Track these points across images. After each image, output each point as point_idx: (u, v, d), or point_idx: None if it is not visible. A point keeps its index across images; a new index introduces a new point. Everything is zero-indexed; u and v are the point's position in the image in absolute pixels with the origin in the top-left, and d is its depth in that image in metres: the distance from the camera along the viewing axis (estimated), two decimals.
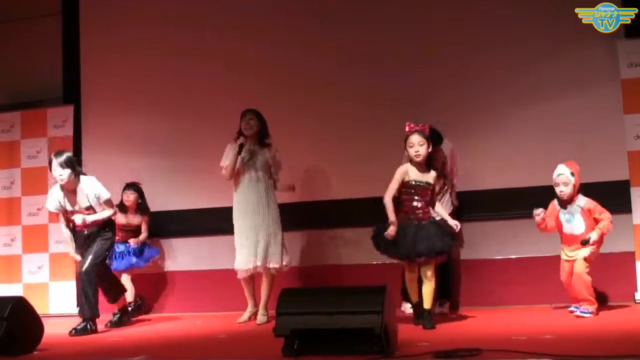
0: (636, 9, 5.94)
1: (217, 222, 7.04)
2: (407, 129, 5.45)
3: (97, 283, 6.09)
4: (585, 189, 5.64)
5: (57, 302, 7.63)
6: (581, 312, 5.42)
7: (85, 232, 6.14)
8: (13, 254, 7.87)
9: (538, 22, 6.75)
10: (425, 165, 5.47)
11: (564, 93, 6.63)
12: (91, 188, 6.08)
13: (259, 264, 6.18)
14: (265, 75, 7.34)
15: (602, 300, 5.78)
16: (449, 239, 5.40)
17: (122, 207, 7.17)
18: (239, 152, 6.21)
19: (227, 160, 6.28)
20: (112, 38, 7.98)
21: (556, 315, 5.80)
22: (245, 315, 6.36)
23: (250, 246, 6.19)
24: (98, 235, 6.12)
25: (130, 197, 7.26)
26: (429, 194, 5.48)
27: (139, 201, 7.29)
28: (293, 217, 6.78)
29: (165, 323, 6.71)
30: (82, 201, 6.08)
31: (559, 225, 5.63)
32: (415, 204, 5.41)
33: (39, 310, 5.24)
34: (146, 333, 6.11)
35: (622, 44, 6.44)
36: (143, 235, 7.29)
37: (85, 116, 7.97)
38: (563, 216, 5.60)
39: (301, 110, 7.22)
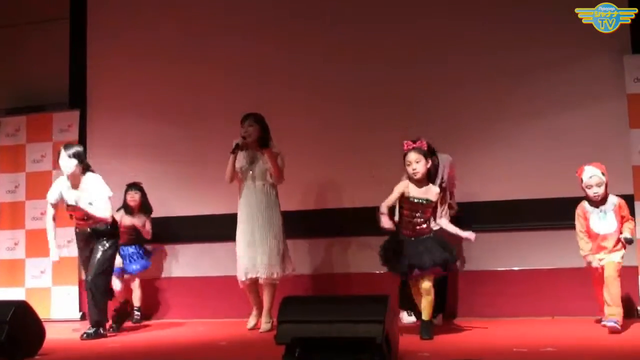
0: (636, 9, 5.95)
1: (221, 229, 7.02)
2: (404, 147, 5.40)
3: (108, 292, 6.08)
4: None
5: (60, 307, 7.63)
6: (611, 322, 5.26)
7: (88, 230, 6.06)
8: (16, 258, 7.86)
9: (544, 34, 6.76)
10: (426, 180, 5.42)
11: (570, 107, 6.64)
12: (94, 184, 6.03)
13: (254, 275, 6.09)
14: (271, 81, 7.36)
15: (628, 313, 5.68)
16: (448, 253, 5.36)
17: (126, 209, 7.15)
18: (234, 151, 6.12)
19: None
20: (119, 44, 8.00)
21: (558, 327, 5.79)
22: (252, 320, 6.26)
23: (246, 256, 6.12)
24: (99, 244, 6.02)
25: (135, 197, 7.19)
26: (430, 211, 5.43)
27: (142, 200, 7.24)
28: (301, 225, 6.79)
29: (167, 330, 6.70)
30: (83, 197, 6.00)
31: (588, 228, 5.52)
32: (415, 220, 5.38)
33: (41, 314, 5.25)
34: (147, 339, 6.10)
35: (628, 59, 6.46)
36: (149, 232, 7.22)
37: (90, 121, 7.98)
38: (595, 216, 5.50)
39: (310, 119, 7.24)
